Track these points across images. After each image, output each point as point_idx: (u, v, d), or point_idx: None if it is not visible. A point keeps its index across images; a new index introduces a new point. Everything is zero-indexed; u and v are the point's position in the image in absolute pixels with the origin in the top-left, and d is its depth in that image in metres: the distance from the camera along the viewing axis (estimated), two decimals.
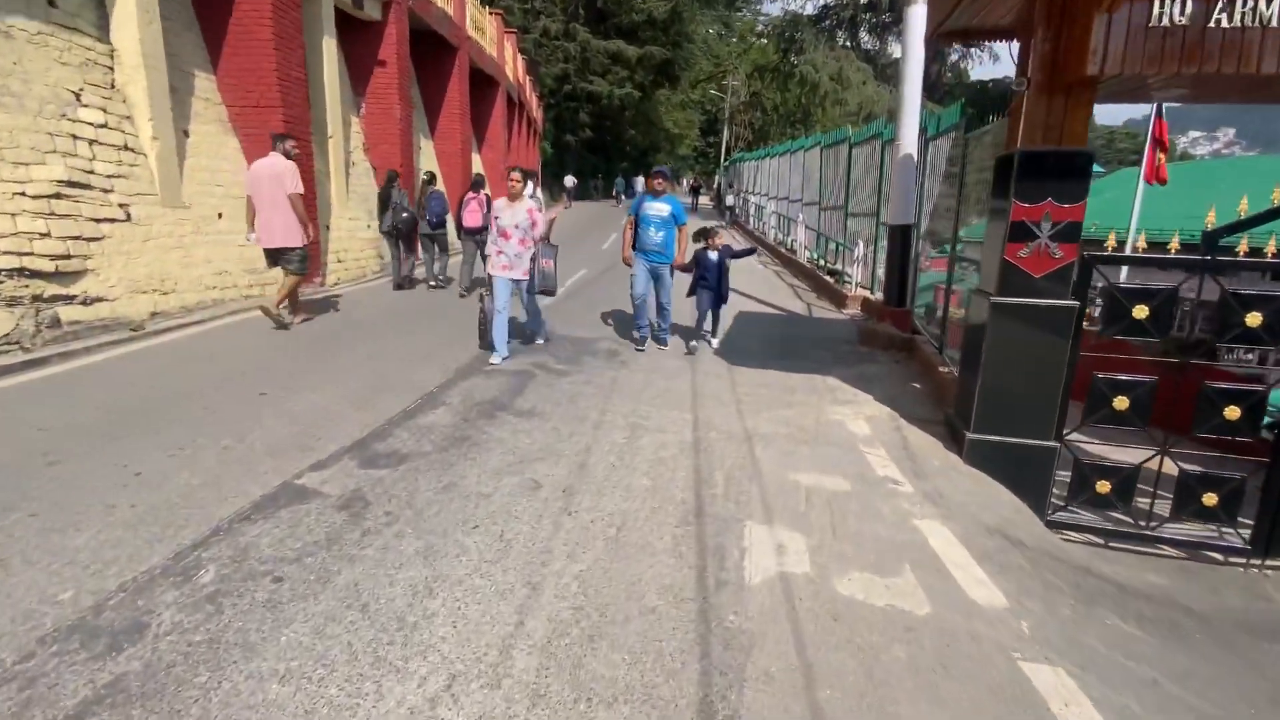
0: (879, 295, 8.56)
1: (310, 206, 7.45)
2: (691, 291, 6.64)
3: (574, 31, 32.69)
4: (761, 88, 28.50)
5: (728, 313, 7.52)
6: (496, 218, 5.47)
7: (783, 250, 14.04)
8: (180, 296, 6.91)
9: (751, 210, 20.67)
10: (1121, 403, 3.83)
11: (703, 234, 6.62)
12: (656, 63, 36.78)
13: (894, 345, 6.50)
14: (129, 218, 6.52)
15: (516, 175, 5.49)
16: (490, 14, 16.93)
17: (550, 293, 6.45)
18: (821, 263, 11.37)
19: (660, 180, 6.12)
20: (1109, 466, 3.93)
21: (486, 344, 5.86)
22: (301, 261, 6.45)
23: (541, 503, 3.07)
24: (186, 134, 7.57)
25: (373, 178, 11.43)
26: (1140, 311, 3.73)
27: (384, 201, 8.85)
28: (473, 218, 8.70)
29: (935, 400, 5.11)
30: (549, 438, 3.89)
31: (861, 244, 8.66)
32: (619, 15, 36.21)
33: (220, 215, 7.69)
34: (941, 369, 5.37)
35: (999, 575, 2.78)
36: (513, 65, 20.40)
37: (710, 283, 6.48)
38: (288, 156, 6.23)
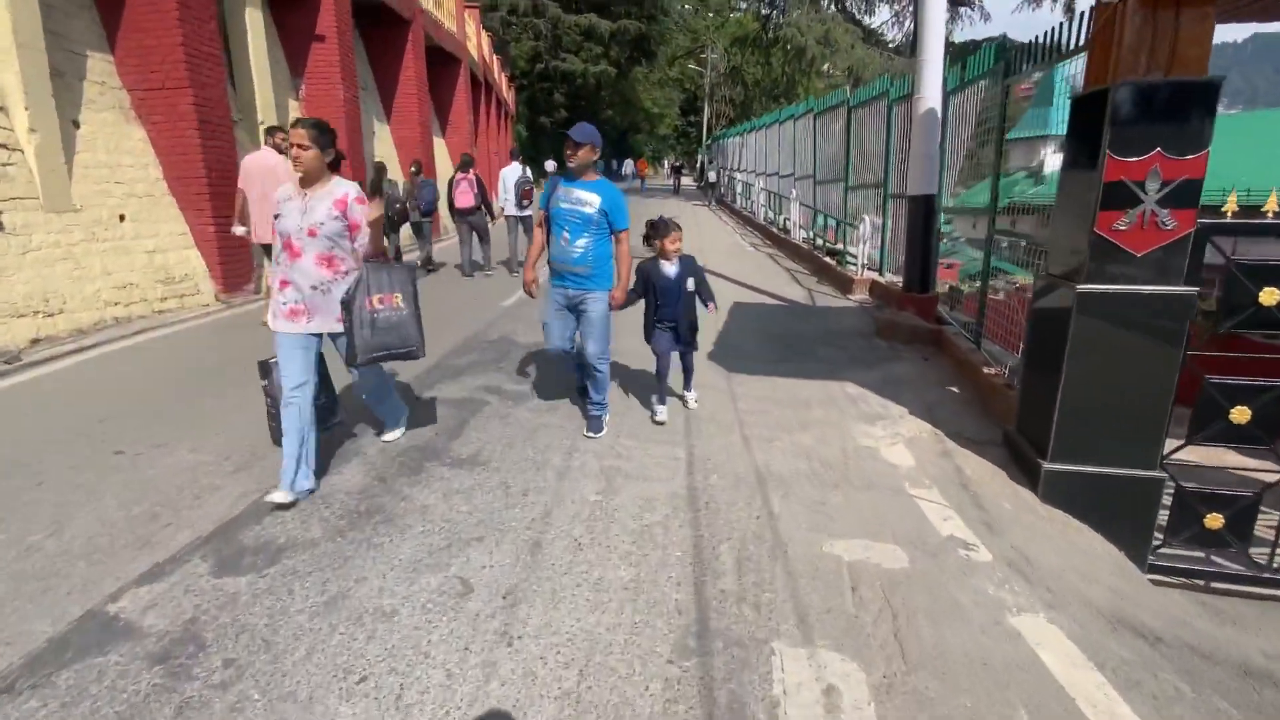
0: (890, 277, 7.60)
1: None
2: (647, 333, 4.12)
3: (543, 7, 31.17)
4: (742, 60, 27.20)
5: (721, 309, 6.55)
6: (276, 216, 2.85)
7: (775, 230, 13.03)
8: (71, 317, 5.81)
9: (739, 189, 19.58)
10: (1241, 414, 2.90)
11: (652, 232, 4.07)
12: (631, 37, 35.36)
13: (918, 338, 5.55)
14: (0, 227, 5.41)
15: (302, 133, 2.75)
16: None
17: (411, 355, 3.08)
18: (819, 243, 10.38)
19: (575, 150, 3.41)
20: (1222, 495, 3.02)
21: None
22: None
23: (470, 623, 2.08)
24: (76, 125, 6.40)
25: None
26: (1270, 296, 2.80)
27: (374, 191, 8.38)
28: (464, 198, 8.57)
29: (981, 409, 4.16)
30: (493, 500, 2.90)
31: (868, 220, 7.67)
32: None
33: (123, 218, 6.56)
34: (987, 370, 4.41)
35: (1156, 713, 1.84)
36: (476, 43, 19.07)
37: (669, 315, 4.02)
38: (279, 151, 5.90)
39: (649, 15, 36.55)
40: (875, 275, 7.84)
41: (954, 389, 4.57)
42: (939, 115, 5.30)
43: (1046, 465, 3.09)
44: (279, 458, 2.83)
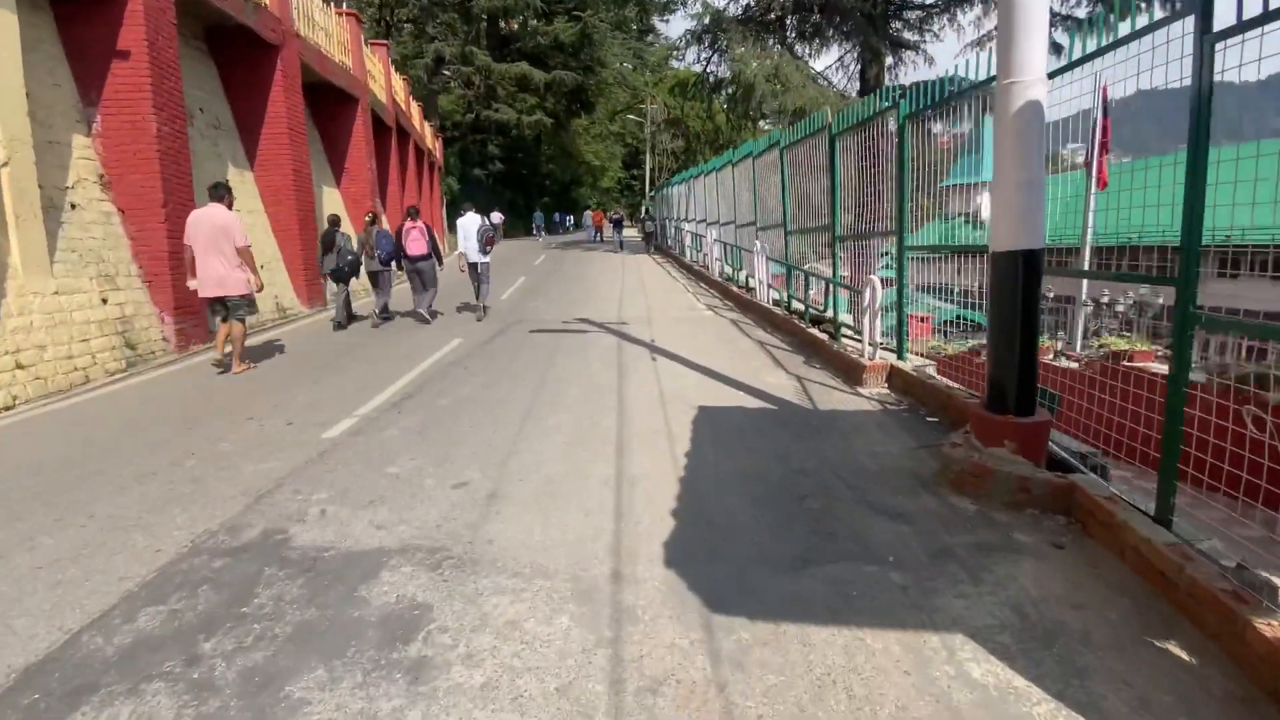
0: (916, 362, 5.34)
1: None
2: None
3: (471, 55, 29.46)
4: (682, 110, 25.97)
5: (680, 417, 4.11)
6: None
7: (734, 289, 10.84)
8: None
9: (687, 240, 17.61)
10: None
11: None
12: (568, 89, 34.10)
13: (1032, 497, 3.18)
14: None
15: None
16: (337, 13, 13.31)
17: None
18: (793, 305, 8.16)
19: None
20: None
21: None
22: (251, 306, 6.48)
23: None
24: None
25: (118, 224, 7.45)
26: None
27: (327, 245, 8.92)
28: (416, 245, 9.00)
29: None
30: None
31: (876, 283, 5.44)
32: (523, 40, 33.41)
33: None
34: (1259, 623, 2.00)
35: None
36: (384, 83, 16.78)
37: None
38: (229, 208, 6.23)
39: (585, 66, 35.50)
40: (892, 357, 5.57)
41: (1183, 654, 2.16)
42: (1043, 111, 3.09)
43: None
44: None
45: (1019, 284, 3.24)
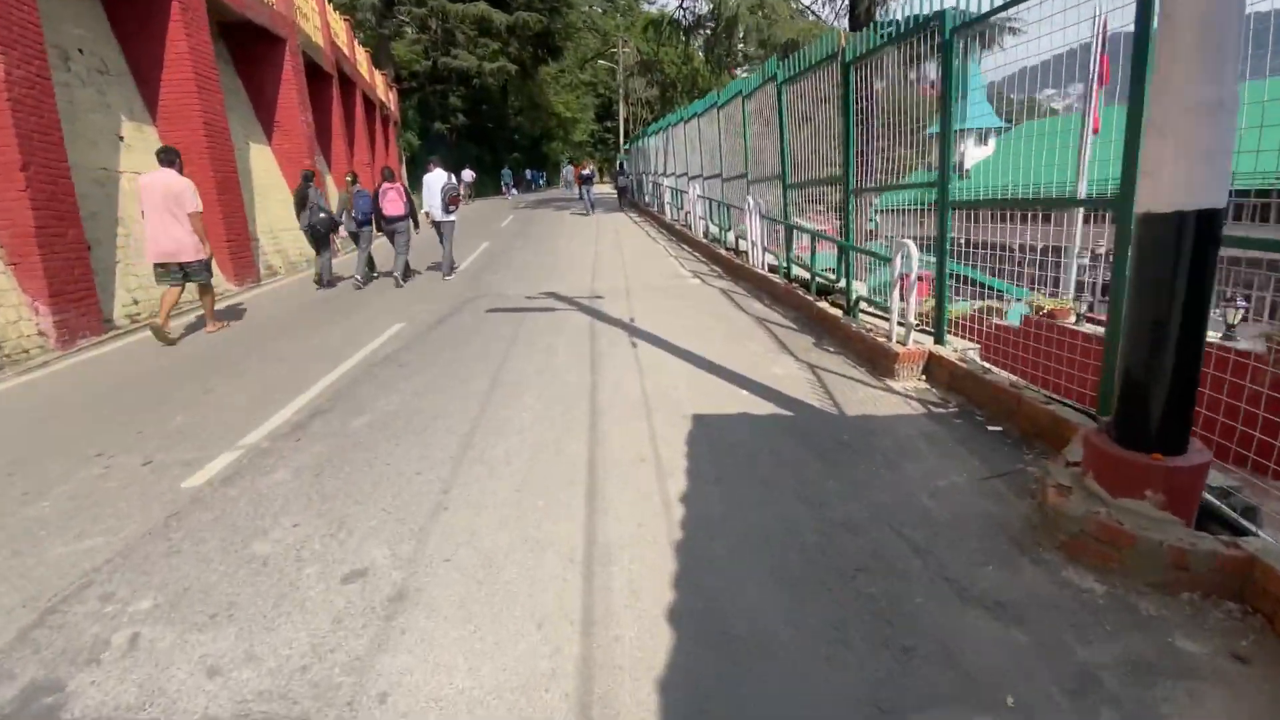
0: (961, 346, 4.29)
1: None
2: None
3: None
4: (658, 50, 23.95)
5: (670, 434, 3.01)
6: None
7: (722, 252, 9.63)
8: None
9: (666, 198, 16.20)
10: None
11: None
12: (533, 32, 31.59)
13: (1189, 578, 2.16)
14: None
15: None
16: None
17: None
18: (793, 272, 7.01)
19: None
20: None
21: None
22: (207, 271, 6.48)
23: None
24: None
25: None
26: None
27: (300, 201, 8.82)
28: (393, 206, 8.88)
29: None
30: None
31: (912, 247, 4.31)
32: None
33: None
34: None
35: None
36: (319, 23, 14.79)
37: None
38: (181, 172, 6.19)
39: (551, 8, 32.85)
40: (928, 342, 4.49)
41: None
42: None
43: None
44: None
45: (1185, 256, 2.13)
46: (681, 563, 2.47)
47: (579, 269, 9.79)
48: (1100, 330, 3.49)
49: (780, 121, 7.01)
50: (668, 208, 16.03)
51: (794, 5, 13.92)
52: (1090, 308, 4.88)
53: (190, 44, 8.98)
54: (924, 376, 4.39)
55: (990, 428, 3.57)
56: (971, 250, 4.21)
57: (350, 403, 4.26)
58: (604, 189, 34.60)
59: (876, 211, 5.54)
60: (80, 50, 8.16)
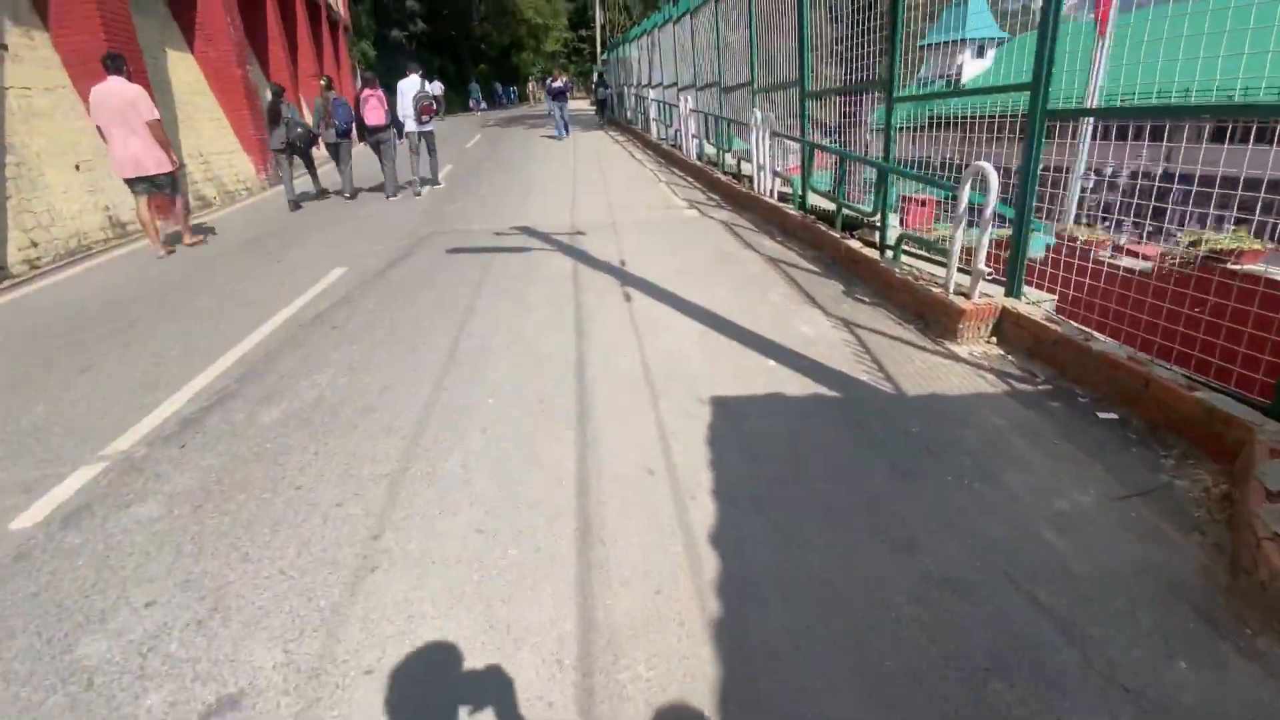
0: (1037, 298, 3.42)
1: None
2: None
3: None
4: None
5: (685, 429, 2.11)
6: None
7: (720, 177, 8.46)
8: None
9: (652, 113, 14.60)
10: None
11: None
12: None
13: None
14: None
15: None
16: None
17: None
18: (809, 201, 5.96)
19: None
20: None
21: None
22: (175, 184, 6.25)
23: None
24: None
25: None
26: None
27: (274, 117, 8.47)
28: (375, 115, 8.52)
29: None
30: None
31: (990, 172, 3.31)
32: None
33: None
34: None
35: None
36: None
37: None
38: (129, 80, 5.89)
39: None
40: (997, 294, 3.59)
41: None
42: None
43: None
44: None
45: None
46: (724, 663, 1.65)
47: (556, 198, 8.58)
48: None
49: (801, 10, 5.72)
50: (653, 124, 14.47)
51: None
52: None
53: None
54: (993, 338, 3.53)
55: (1101, 415, 2.74)
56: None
57: (263, 384, 3.28)
58: (581, 104, 32.12)
59: (894, 129, 4.49)
60: None
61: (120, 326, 4.24)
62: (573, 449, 2.61)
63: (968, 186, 3.54)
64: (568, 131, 16.31)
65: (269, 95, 8.86)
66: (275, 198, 9.90)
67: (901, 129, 4.65)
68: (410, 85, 8.79)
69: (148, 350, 3.80)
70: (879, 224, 4.76)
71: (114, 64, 5.88)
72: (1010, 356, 3.37)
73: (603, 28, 36.72)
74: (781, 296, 4.40)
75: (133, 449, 2.73)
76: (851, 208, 5.17)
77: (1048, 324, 3.20)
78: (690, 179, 9.76)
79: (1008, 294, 3.60)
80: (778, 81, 6.71)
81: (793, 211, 5.96)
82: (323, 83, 9.23)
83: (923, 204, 5.84)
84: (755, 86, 7.34)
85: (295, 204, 8.61)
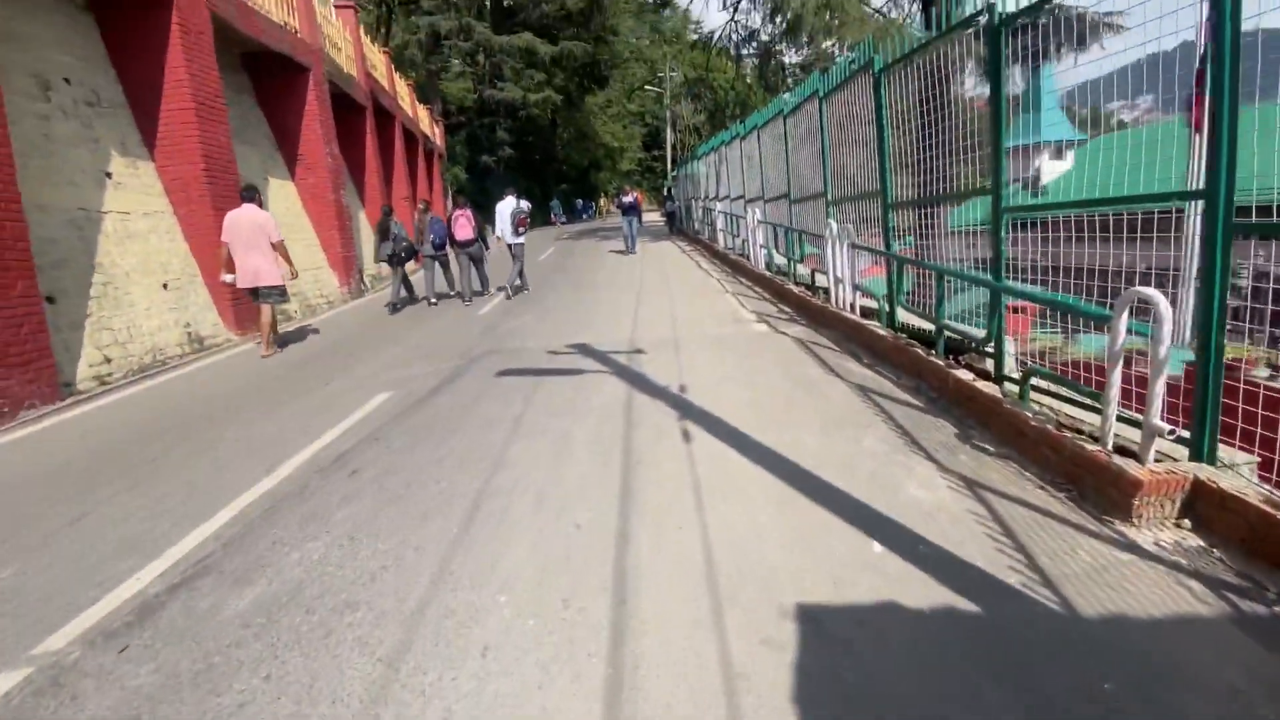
0: (1229, 466, 2.44)
1: None
2: None
3: (470, 28, 26.67)
4: (708, 61, 22.63)
5: (760, 660, 1.23)
6: None
7: (792, 288, 7.92)
8: None
9: (719, 224, 14.62)
10: None
11: None
12: (579, 62, 31.08)
13: None
14: None
15: None
16: None
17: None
18: (897, 318, 5.23)
19: None
20: None
21: None
22: (283, 295, 7.21)
23: None
24: None
25: None
26: None
27: (383, 233, 9.82)
28: (464, 231, 9.65)
29: None
30: None
31: (1160, 306, 2.52)
32: (526, 11, 30.47)
33: None
34: None
35: None
36: (351, 52, 14.14)
37: None
38: (262, 207, 7.08)
39: (597, 36, 32.32)
40: (1182, 456, 2.66)
41: None
42: None
43: None
44: None
45: None
46: None
47: (619, 308, 8.27)
48: None
49: (879, 121, 5.31)
50: (720, 235, 14.43)
51: (863, 3, 12.29)
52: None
53: (190, 70, 8.09)
54: (1185, 519, 2.56)
55: None
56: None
57: (249, 554, 2.76)
58: (652, 216, 33.47)
59: (1004, 243, 3.78)
60: (66, 80, 7.32)
61: (143, 459, 3.96)
62: (599, 700, 1.84)
63: (1125, 316, 2.74)
64: (635, 247, 15.92)
65: (380, 214, 10.32)
66: (355, 310, 10.29)
67: (978, 230, 3.96)
68: (507, 206, 10.35)
69: (152, 495, 3.43)
70: (993, 352, 3.94)
71: (249, 194, 7.04)
72: (1218, 552, 2.38)
73: (673, 147, 39.03)
74: (881, 442, 3.59)
75: (67, 650, 2.21)
76: (956, 330, 4.40)
77: (1270, 508, 2.24)
78: (759, 289, 9.29)
79: (1195, 456, 2.66)
80: (857, 192, 6.23)
81: (881, 331, 5.23)
82: (420, 206, 10.73)
83: (1016, 310, 5.02)
84: (830, 197, 6.91)
85: (394, 307, 9.62)
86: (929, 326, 4.70)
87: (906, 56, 4.89)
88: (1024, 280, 3.93)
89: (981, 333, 4.10)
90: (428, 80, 27.45)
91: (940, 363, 4.29)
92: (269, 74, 11.02)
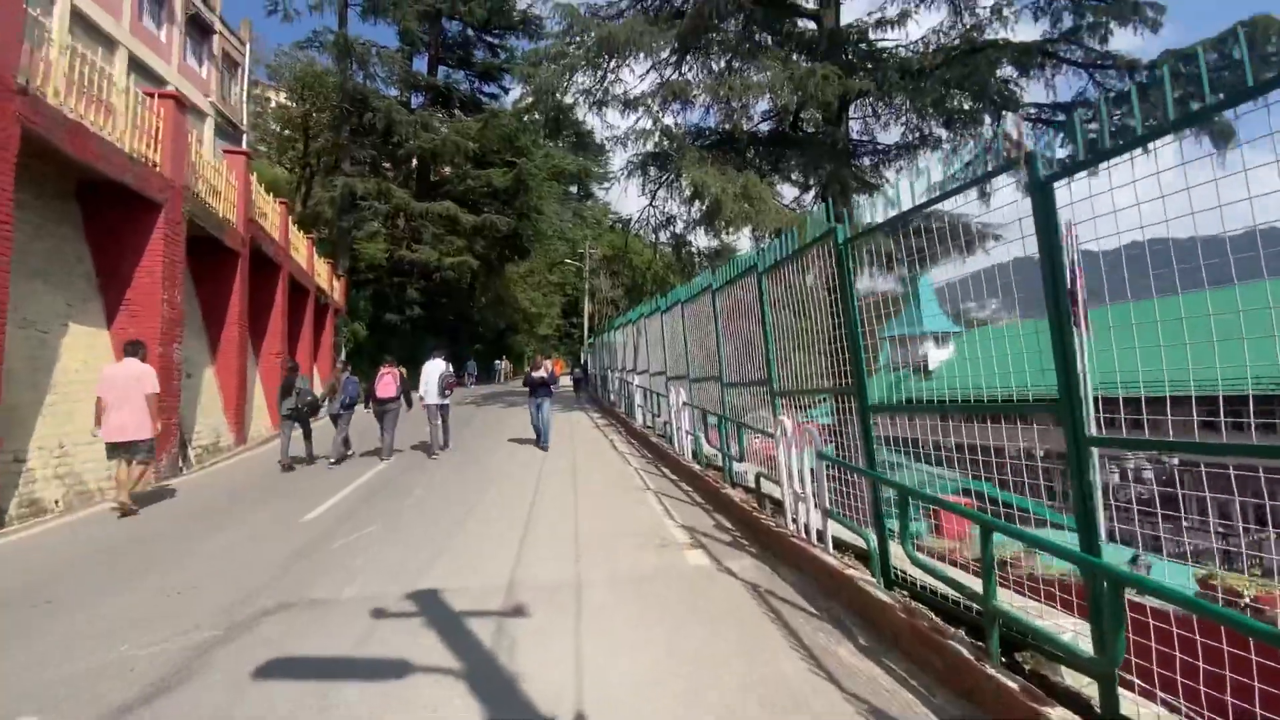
0: None
1: None
2: None
3: (389, 191, 26.63)
4: (626, 240, 23.19)
5: None
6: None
7: (726, 491, 6.29)
8: None
9: (637, 399, 13.31)
10: None
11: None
12: (501, 234, 31.62)
13: None
14: None
15: None
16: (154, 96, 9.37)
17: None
18: (885, 567, 3.62)
19: None
20: None
21: None
22: (150, 451, 6.91)
23: None
24: None
25: None
26: None
27: (286, 390, 9.52)
28: (386, 389, 9.76)
29: None
30: None
31: None
32: (452, 183, 31.39)
33: None
34: None
35: None
36: (236, 200, 12.72)
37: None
38: (144, 361, 7.03)
39: (521, 213, 33.45)
40: None
41: None
42: None
43: None
44: None
45: None
46: None
47: (504, 519, 6.23)
48: None
49: (849, 308, 4.15)
50: (639, 410, 13.05)
51: (776, 196, 12.57)
52: None
53: None
54: None
55: None
56: None
57: None
58: (567, 386, 32.40)
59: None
60: None
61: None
62: None
63: None
64: (548, 441, 10.86)
65: (285, 369, 10.31)
66: (152, 495, 7.46)
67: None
68: (435, 368, 10.26)
69: None
70: (1060, 635, 2.30)
71: (133, 349, 7.08)
72: None
73: (590, 316, 39.54)
74: None
75: None
76: (1047, 637, 2.75)
77: None
78: (687, 487, 7.60)
79: None
80: (813, 385, 4.91)
81: (878, 593, 3.53)
82: (338, 364, 11.25)
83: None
84: (776, 387, 5.58)
85: (287, 466, 9.16)
86: (953, 583, 3.06)
87: (778, 264, 4.37)
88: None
89: (1084, 647, 2.47)
90: (339, 237, 26.55)
91: (1000, 677, 2.58)
92: (108, 205, 9.20)
